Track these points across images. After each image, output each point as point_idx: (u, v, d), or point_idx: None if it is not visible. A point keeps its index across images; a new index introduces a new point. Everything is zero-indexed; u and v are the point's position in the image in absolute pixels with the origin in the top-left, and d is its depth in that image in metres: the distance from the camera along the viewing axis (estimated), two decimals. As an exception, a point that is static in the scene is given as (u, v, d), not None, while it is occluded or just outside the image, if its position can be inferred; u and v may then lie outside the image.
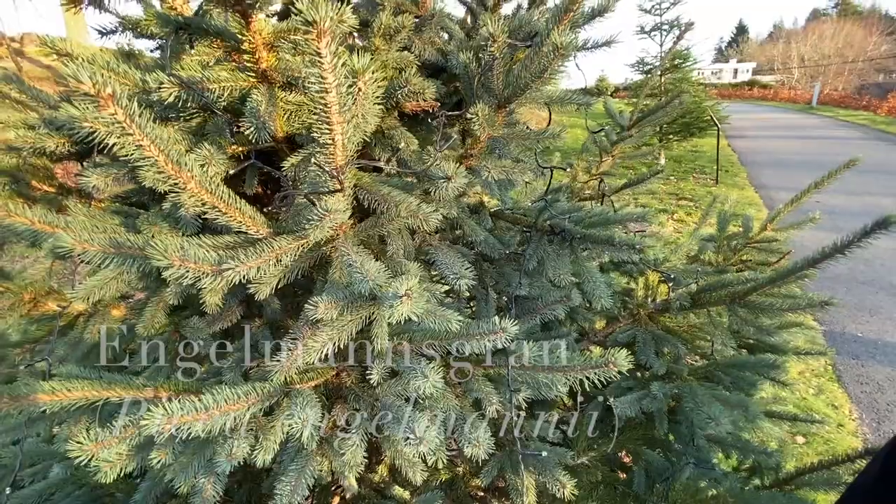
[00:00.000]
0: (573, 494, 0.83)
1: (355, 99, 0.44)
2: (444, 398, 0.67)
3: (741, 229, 1.38)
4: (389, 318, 0.52)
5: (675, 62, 7.50)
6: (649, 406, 0.90)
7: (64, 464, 0.89)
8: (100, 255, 0.57)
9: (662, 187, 7.00)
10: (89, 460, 0.55)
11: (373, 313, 0.63)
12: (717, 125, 6.91)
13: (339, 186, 0.48)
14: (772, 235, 1.25)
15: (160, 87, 0.49)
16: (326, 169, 0.47)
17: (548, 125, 0.74)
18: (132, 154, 0.42)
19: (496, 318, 0.63)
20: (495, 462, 0.97)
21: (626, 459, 1.30)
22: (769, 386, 2.63)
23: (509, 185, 1.16)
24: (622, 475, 1.07)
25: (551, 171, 0.80)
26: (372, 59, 0.65)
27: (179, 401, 0.48)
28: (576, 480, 0.86)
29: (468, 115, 0.59)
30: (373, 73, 0.45)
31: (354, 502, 0.88)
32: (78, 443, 0.49)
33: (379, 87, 0.65)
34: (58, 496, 0.86)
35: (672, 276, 1.26)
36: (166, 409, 0.46)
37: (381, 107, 0.61)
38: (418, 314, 0.51)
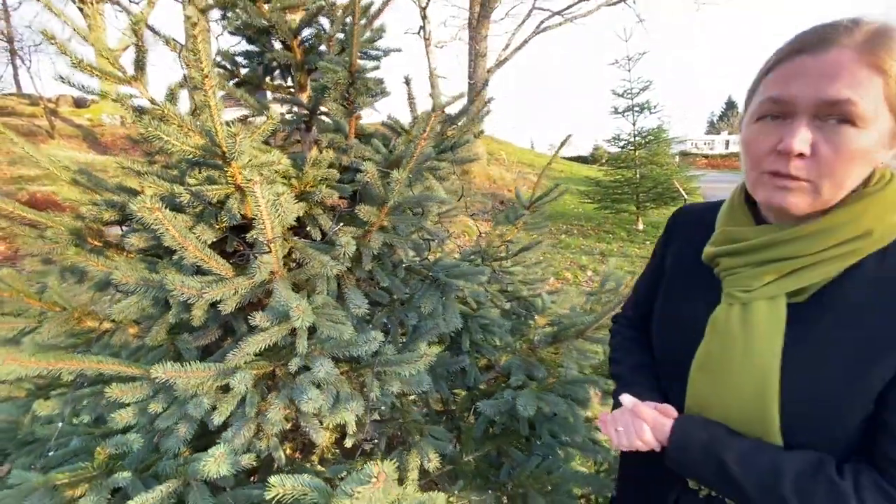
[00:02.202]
0: (438, 467, 1.17)
1: (278, 207, 0.86)
2: (338, 383, 1.04)
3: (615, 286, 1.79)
4: (301, 326, 0.92)
5: (648, 139, 8.29)
6: (504, 407, 1.26)
7: (82, 437, 1.23)
8: (134, 286, 0.98)
9: (637, 251, 7.47)
10: (112, 407, 0.93)
11: (293, 327, 1.02)
12: (684, 196, 7.51)
13: (268, 250, 0.90)
14: (629, 292, 1.66)
15: (180, 195, 0.92)
16: (262, 240, 0.89)
17: (422, 216, 1.17)
18: (161, 231, 0.84)
19: (373, 332, 1.02)
20: (397, 454, 1.31)
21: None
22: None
23: (426, 245, 1.58)
24: (495, 469, 1.40)
25: (429, 242, 1.22)
26: (302, 177, 1.10)
27: (171, 365, 0.86)
28: (453, 469, 1.19)
29: (355, 211, 1.02)
30: (290, 192, 0.88)
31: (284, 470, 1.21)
32: (110, 389, 0.87)
33: (310, 187, 1.09)
34: (73, 460, 1.20)
35: (554, 321, 1.65)
36: (164, 367, 0.84)
37: (305, 203, 1.04)
38: (311, 322, 0.91)
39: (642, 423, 0.74)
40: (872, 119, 0.58)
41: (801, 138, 0.60)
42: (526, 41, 11.62)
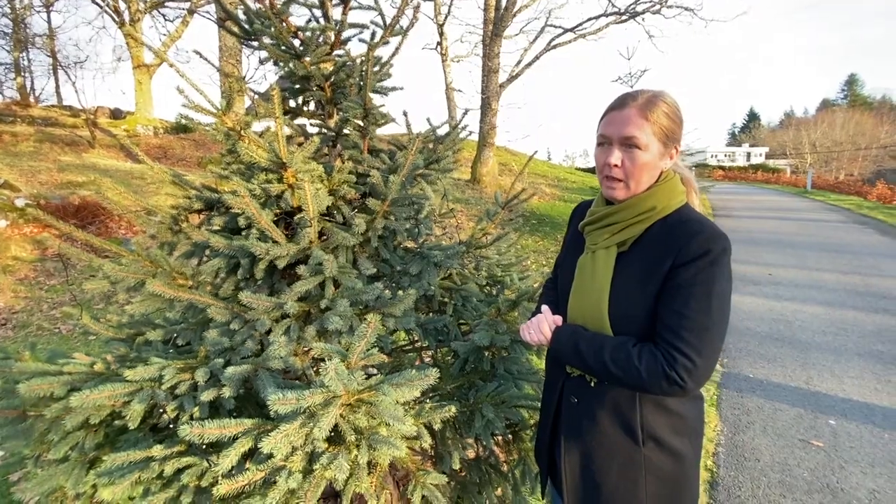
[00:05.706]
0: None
1: (317, 197, 1.38)
2: (353, 318, 1.54)
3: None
4: (329, 276, 1.43)
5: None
6: (470, 346, 1.74)
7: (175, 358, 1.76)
8: (221, 249, 1.50)
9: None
10: (203, 325, 1.45)
11: (324, 279, 1.53)
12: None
13: (310, 225, 1.41)
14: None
15: (254, 189, 1.45)
16: (307, 218, 1.40)
17: (417, 210, 1.68)
18: (244, 210, 1.36)
19: (378, 283, 1.52)
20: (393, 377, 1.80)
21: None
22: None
23: (419, 232, 2.08)
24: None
25: (420, 228, 1.72)
26: (330, 178, 1.62)
27: (249, 294, 1.38)
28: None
29: (366, 203, 1.53)
30: (324, 188, 1.40)
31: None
32: (210, 309, 1.39)
33: (336, 186, 1.61)
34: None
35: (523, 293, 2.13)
36: (247, 294, 1.36)
37: (332, 197, 1.56)
38: (335, 274, 1.41)
39: (545, 323, 1.22)
40: (649, 145, 1.08)
41: (615, 157, 1.10)
42: (537, 57, 12.14)
